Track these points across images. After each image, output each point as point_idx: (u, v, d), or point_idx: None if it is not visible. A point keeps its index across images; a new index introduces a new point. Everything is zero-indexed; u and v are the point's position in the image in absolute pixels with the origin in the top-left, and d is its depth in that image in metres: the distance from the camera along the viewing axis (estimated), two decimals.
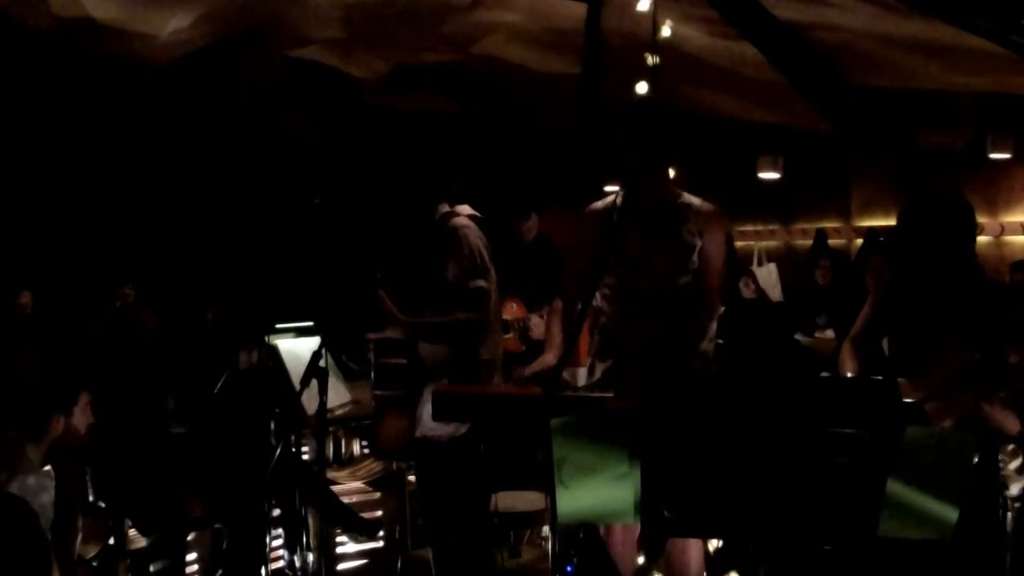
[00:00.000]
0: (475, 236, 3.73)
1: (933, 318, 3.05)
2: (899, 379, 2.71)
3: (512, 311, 5.65)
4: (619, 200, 3.47)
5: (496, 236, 3.88)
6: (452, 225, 3.74)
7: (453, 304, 3.67)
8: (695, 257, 3.45)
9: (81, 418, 3.72)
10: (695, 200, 3.55)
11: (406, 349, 3.78)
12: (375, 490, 5.03)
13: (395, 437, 3.88)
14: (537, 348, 5.85)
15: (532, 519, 4.48)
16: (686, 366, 3.37)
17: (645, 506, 2.03)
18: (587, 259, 3.47)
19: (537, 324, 5.52)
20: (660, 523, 2.04)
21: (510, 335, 5.51)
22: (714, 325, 3.58)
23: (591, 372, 3.61)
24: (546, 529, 4.49)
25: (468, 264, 3.66)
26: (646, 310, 3.45)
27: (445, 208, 3.81)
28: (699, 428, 1.98)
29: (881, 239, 7.57)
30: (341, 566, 4.87)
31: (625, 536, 3.52)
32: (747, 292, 7.84)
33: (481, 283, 3.67)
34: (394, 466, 4.71)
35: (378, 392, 3.92)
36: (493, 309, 3.80)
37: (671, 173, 3.62)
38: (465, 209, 3.85)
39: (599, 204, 3.61)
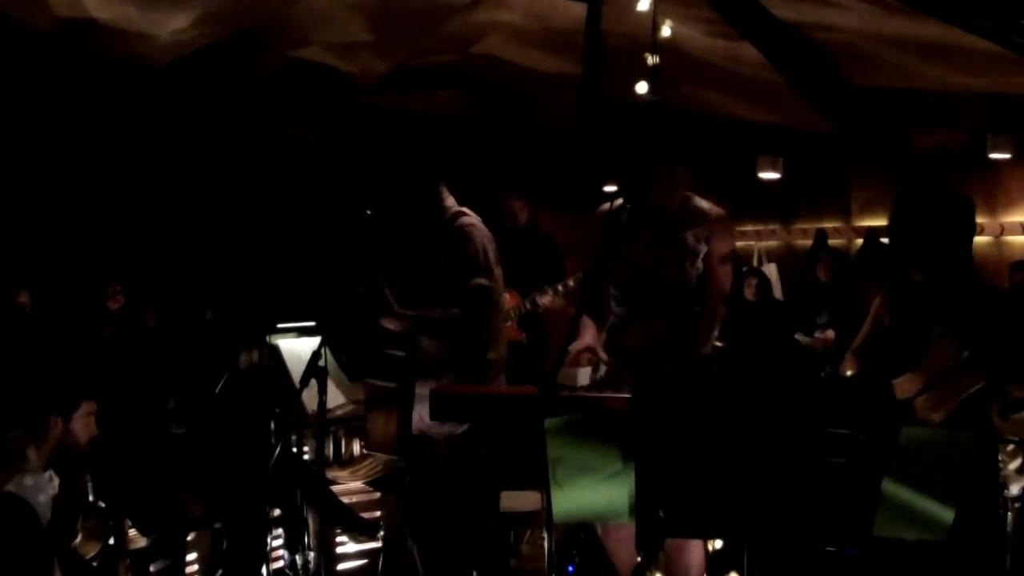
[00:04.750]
0: (482, 235, 3.71)
1: (924, 314, 3.04)
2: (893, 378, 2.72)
3: (505, 300, 5.62)
4: (626, 203, 3.46)
5: (490, 223, 3.86)
6: (459, 224, 3.72)
7: (453, 301, 3.66)
8: (700, 262, 3.44)
9: (82, 426, 3.72)
10: (705, 204, 3.52)
11: (405, 342, 3.74)
12: (375, 490, 5.03)
13: (385, 430, 3.83)
14: (538, 337, 5.85)
15: (532, 519, 4.48)
16: (686, 369, 3.36)
17: (640, 506, 2.03)
18: (591, 261, 3.47)
19: (549, 300, 5.46)
20: (655, 523, 2.04)
21: (508, 323, 5.48)
22: (716, 330, 3.57)
23: (596, 368, 3.60)
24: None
25: (471, 262, 3.64)
26: (648, 312, 3.45)
27: (454, 208, 3.79)
28: (694, 428, 1.98)
29: (882, 240, 7.56)
30: (341, 566, 4.86)
31: (622, 536, 3.52)
32: (749, 293, 7.83)
33: (483, 281, 3.64)
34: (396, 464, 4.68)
35: (370, 381, 3.88)
36: (497, 309, 3.77)
37: (682, 176, 3.59)
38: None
39: (607, 207, 3.60)
